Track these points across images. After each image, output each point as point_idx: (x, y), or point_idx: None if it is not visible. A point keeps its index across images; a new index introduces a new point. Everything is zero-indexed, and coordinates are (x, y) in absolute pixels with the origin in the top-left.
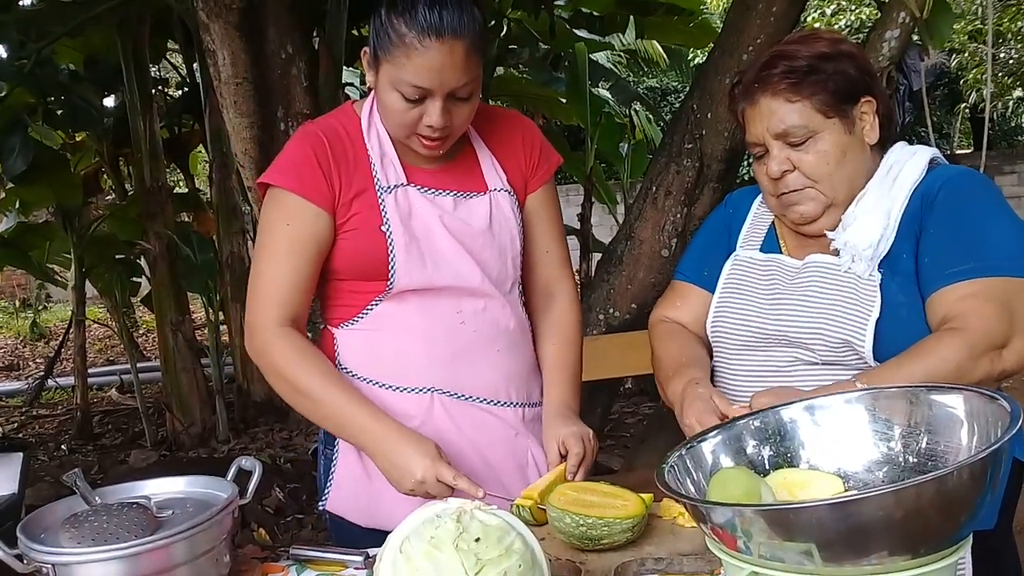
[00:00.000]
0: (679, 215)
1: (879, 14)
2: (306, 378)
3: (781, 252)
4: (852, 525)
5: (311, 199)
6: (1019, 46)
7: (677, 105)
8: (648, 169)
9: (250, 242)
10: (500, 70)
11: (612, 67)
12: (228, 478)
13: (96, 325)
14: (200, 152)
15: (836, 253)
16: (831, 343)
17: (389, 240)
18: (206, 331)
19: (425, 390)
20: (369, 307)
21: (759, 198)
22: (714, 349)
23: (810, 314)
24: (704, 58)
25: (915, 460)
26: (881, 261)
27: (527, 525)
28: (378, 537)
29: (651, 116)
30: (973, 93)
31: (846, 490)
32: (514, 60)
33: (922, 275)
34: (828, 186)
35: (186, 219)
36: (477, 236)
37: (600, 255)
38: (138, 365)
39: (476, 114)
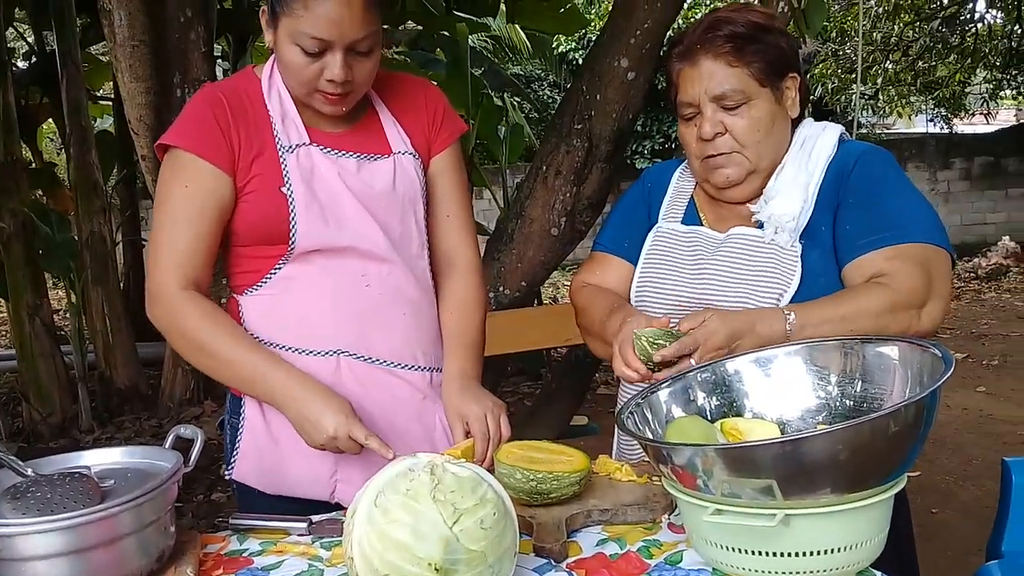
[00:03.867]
0: (568, 194)
1: (759, 2)
2: (213, 338)
3: (702, 224)
4: (810, 461)
5: (210, 159)
6: (863, 44)
7: (540, 92)
8: (539, 149)
9: (112, 222)
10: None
11: (481, 52)
12: (166, 447)
13: None
14: (44, 127)
15: (758, 226)
16: None
17: (290, 200)
18: (63, 316)
19: (332, 353)
20: (273, 271)
21: (678, 172)
22: None
23: (733, 283)
24: (568, 46)
25: (851, 403)
26: (802, 233)
27: None
28: (284, 504)
29: (516, 103)
30: (819, 87)
31: None
32: (395, 40)
33: (841, 244)
34: (754, 153)
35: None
36: (380, 198)
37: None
38: None
39: (378, 79)
